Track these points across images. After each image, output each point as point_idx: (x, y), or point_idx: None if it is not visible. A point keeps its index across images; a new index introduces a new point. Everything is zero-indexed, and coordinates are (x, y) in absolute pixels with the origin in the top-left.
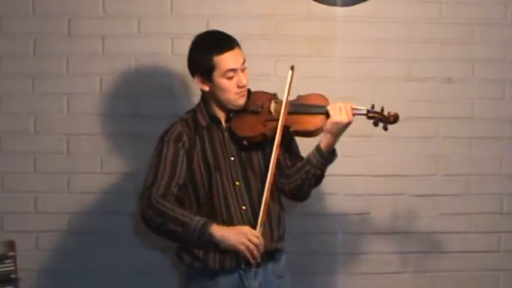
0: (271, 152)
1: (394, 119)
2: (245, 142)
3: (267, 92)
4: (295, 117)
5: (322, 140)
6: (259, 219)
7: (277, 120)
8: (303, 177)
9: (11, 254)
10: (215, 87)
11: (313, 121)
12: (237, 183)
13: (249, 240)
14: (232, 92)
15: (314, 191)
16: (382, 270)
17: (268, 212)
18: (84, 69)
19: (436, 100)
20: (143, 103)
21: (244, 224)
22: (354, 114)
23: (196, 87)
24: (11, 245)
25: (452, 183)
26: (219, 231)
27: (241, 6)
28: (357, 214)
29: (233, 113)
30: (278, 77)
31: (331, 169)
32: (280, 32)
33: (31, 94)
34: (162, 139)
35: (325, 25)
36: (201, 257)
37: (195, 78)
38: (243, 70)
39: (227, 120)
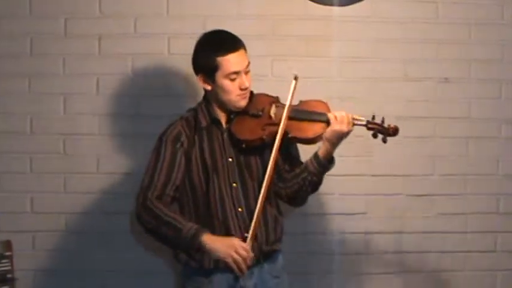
0: (269, 156)
1: (393, 131)
2: (244, 145)
3: (269, 94)
4: (294, 123)
5: (320, 147)
6: (251, 232)
7: (277, 125)
8: (300, 184)
9: (7, 253)
10: (217, 87)
11: (312, 129)
12: (234, 184)
13: (237, 253)
14: (234, 93)
15: None
16: (379, 271)
17: (264, 215)
18: (80, 69)
19: (433, 100)
20: (140, 103)
21: (239, 225)
22: (354, 124)
23: (199, 86)
24: (7, 244)
25: (449, 183)
26: (208, 241)
27: (238, 6)
28: (353, 214)
29: (234, 115)
30: (275, 76)
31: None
32: (276, 32)
33: (28, 94)
34: (160, 139)
35: (321, 25)
36: (197, 257)
37: (198, 76)
38: (246, 72)
39: (227, 122)
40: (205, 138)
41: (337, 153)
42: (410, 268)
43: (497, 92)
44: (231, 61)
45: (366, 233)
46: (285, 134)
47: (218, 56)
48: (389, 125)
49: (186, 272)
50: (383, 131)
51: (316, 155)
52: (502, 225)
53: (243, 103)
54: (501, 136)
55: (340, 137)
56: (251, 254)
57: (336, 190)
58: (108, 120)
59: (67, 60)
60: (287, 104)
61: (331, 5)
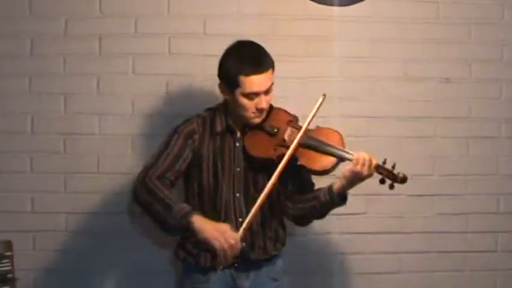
0: (281, 178)
1: (401, 180)
2: (253, 160)
3: (288, 112)
4: (306, 151)
5: (336, 182)
6: (244, 225)
7: (288, 148)
8: (307, 210)
9: (8, 253)
10: (234, 101)
11: (322, 162)
12: (237, 195)
13: (225, 240)
14: (249, 111)
15: None
16: (379, 270)
17: (263, 227)
18: (81, 69)
19: (433, 100)
20: (140, 103)
21: None
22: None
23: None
24: (8, 244)
25: (450, 183)
26: (199, 221)
27: (238, 6)
28: (353, 214)
29: (248, 128)
30: (275, 76)
31: None
32: (277, 32)
33: (28, 94)
34: (175, 130)
35: (322, 25)
36: (194, 254)
37: (219, 83)
38: (267, 92)
39: (242, 132)
40: (218, 143)
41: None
42: (410, 268)
43: (497, 92)
44: (253, 82)
45: (366, 233)
46: (294, 159)
47: (241, 74)
48: (398, 173)
49: (184, 270)
50: (391, 177)
51: (330, 188)
52: (502, 225)
53: (256, 121)
54: (501, 136)
55: (358, 178)
56: (239, 246)
57: None
58: (109, 120)
59: (67, 60)
60: (307, 121)
61: (332, 5)
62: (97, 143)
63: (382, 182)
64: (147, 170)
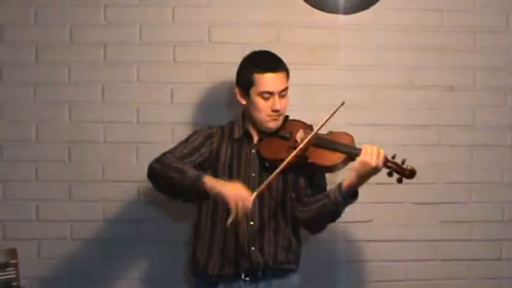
0: (293, 177)
1: (409, 174)
2: (267, 164)
3: (303, 122)
4: (316, 150)
5: (346, 178)
6: (258, 189)
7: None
8: (319, 209)
9: (13, 261)
10: (250, 103)
11: (331, 157)
12: None
13: (239, 196)
14: (264, 112)
15: None
16: (384, 278)
17: (275, 232)
18: (86, 77)
19: (438, 108)
20: (145, 111)
21: (248, 238)
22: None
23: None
24: (13, 252)
25: (454, 191)
26: (211, 180)
27: (243, 15)
28: (359, 222)
29: (264, 135)
30: None
31: (333, 177)
32: (282, 40)
33: (33, 102)
34: (195, 131)
35: (326, 33)
36: (203, 261)
37: (236, 88)
38: (282, 96)
39: (259, 140)
40: (235, 149)
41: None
42: (415, 276)
43: (501, 100)
44: (266, 80)
45: (371, 240)
46: (305, 159)
47: (256, 72)
48: (406, 166)
49: (193, 281)
50: (400, 171)
51: (340, 186)
52: (506, 233)
53: (272, 125)
54: (505, 144)
55: (367, 171)
56: (250, 202)
57: None
58: (114, 128)
59: (72, 68)
60: (321, 122)
61: (336, 13)
62: (102, 151)
63: (390, 175)
64: (163, 154)
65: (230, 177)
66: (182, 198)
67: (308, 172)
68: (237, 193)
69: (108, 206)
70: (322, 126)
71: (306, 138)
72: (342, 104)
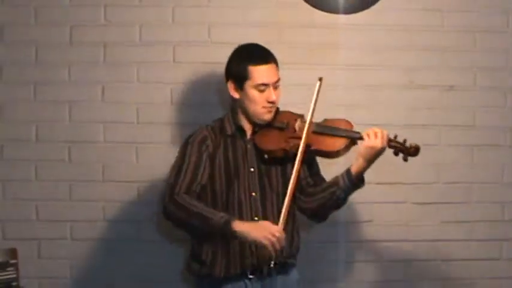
0: (291, 169)
1: (414, 151)
2: (266, 156)
3: (294, 112)
4: (318, 137)
5: (353, 164)
6: (282, 216)
7: (300, 138)
8: (327, 198)
9: (13, 261)
10: (245, 96)
11: (335, 143)
12: (254, 194)
13: (272, 235)
14: (260, 104)
15: None
16: (384, 278)
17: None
18: (86, 77)
19: (438, 108)
20: (145, 111)
21: None
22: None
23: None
24: (13, 252)
25: (454, 191)
26: (241, 226)
27: (243, 14)
28: (359, 222)
29: (258, 128)
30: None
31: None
32: (282, 40)
33: (33, 102)
34: (186, 141)
35: (327, 33)
36: (209, 263)
37: (228, 83)
38: (275, 87)
39: (252, 133)
40: (229, 146)
41: (341, 162)
42: (416, 276)
43: (502, 100)
44: (261, 72)
45: (372, 240)
46: (308, 146)
47: (250, 65)
48: (410, 144)
49: (197, 283)
50: (404, 150)
51: (348, 171)
52: (507, 233)
53: (267, 117)
54: (506, 144)
55: (374, 153)
56: (283, 236)
57: None
58: (113, 128)
59: (72, 68)
60: (311, 106)
61: (336, 12)
62: (102, 151)
63: (396, 154)
64: (172, 186)
65: (228, 175)
66: (205, 240)
67: (306, 162)
68: (266, 235)
69: (108, 206)
70: (314, 110)
71: (304, 126)
72: (320, 80)
